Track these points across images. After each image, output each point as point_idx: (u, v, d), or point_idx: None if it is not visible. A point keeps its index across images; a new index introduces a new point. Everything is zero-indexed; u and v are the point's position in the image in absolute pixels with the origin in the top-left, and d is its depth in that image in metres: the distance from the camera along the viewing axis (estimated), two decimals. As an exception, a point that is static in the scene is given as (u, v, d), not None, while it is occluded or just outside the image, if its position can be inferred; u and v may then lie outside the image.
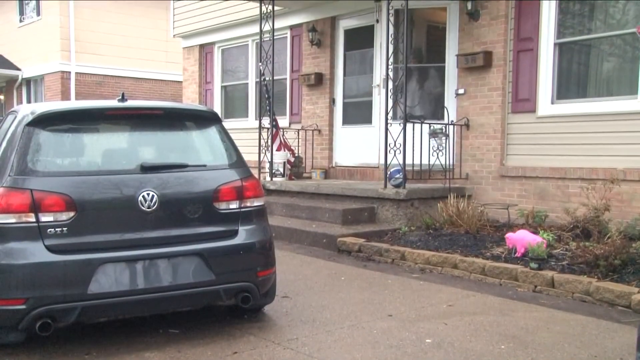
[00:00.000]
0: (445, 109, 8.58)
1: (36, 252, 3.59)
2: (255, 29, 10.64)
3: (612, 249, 5.43)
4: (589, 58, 7.68)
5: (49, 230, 3.63)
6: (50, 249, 3.62)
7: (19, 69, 20.26)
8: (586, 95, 7.57)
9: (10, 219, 3.59)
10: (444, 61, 8.90)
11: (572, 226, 6.54)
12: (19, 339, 3.76)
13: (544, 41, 7.71)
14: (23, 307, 3.53)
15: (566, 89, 7.73)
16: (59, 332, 4.02)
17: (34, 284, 3.56)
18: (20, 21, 20.32)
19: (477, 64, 8.17)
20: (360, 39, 10.13)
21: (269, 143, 9.75)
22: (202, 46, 13.33)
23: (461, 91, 8.51)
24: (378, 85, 9.73)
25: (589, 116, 7.29)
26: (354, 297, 5.26)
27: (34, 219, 3.61)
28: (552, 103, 7.71)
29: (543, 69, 7.73)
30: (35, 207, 3.61)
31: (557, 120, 7.60)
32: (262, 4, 9.68)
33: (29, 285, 3.56)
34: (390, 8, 7.97)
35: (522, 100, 7.93)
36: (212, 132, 4.45)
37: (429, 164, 8.14)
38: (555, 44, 7.67)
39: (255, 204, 4.31)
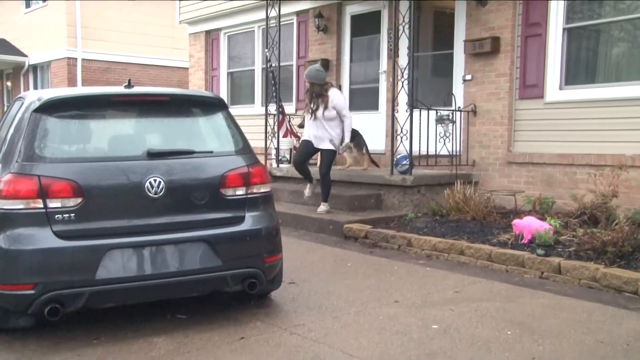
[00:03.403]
0: (452, 96, 8.54)
1: (44, 238, 3.61)
2: (261, 15, 10.59)
3: (620, 236, 5.41)
4: (598, 43, 7.61)
5: (56, 216, 3.64)
6: (58, 235, 3.64)
7: (25, 56, 20.27)
8: (595, 80, 7.51)
9: (19, 205, 3.62)
10: (451, 47, 8.84)
11: (579, 213, 6.52)
12: (28, 324, 3.80)
13: (553, 26, 7.63)
14: (32, 292, 3.56)
15: (575, 74, 7.66)
16: (68, 318, 4.05)
17: (42, 270, 3.59)
18: (27, 7, 20.30)
19: (484, 49, 8.10)
20: (367, 24, 10.07)
21: (276, 129, 9.74)
22: (208, 32, 13.29)
23: (468, 77, 8.46)
24: (385, 72, 9.68)
25: (598, 102, 7.23)
26: (360, 283, 5.27)
27: (41, 205, 3.63)
28: (560, 89, 7.65)
29: (551, 54, 7.66)
30: (43, 193, 3.63)
31: (565, 106, 7.55)
32: (268, -10, 9.63)
33: (37, 270, 3.58)
34: (397, -7, 7.90)
35: (530, 86, 7.87)
36: (219, 118, 4.45)
37: (436, 150, 8.11)
38: (564, 29, 7.60)
39: (262, 191, 4.31)
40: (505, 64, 8.03)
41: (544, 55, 7.71)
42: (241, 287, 4.18)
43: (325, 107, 7.45)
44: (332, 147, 7.61)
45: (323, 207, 7.78)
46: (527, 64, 7.87)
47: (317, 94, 7.51)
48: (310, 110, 7.60)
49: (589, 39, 7.69)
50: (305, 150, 7.81)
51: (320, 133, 7.55)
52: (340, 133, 7.62)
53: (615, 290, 4.93)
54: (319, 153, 7.81)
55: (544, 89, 7.73)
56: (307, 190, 8.01)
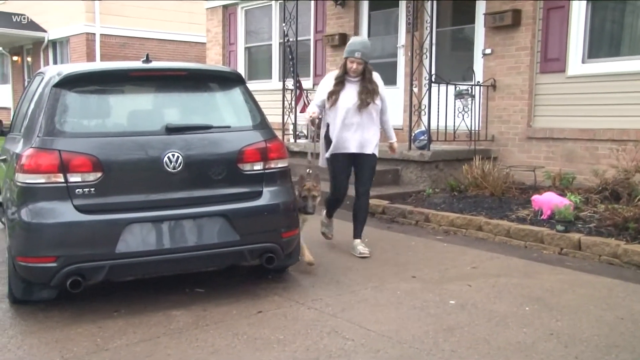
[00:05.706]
0: (472, 70, 8.41)
1: (65, 212, 3.65)
2: (278, -12, 10.48)
3: (641, 212, 5.35)
4: (623, 15, 7.42)
5: (77, 190, 3.68)
6: (79, 209, 3.68)
7: (45, 31, 20.34)
8: (619, 53, 7.35)
9: (40, 179, 3.66)
10: (472, 21, 8.68)
11: (600, 188, 6.44)
12: (51, 296, 3.88)
13: (576, -2, 7.47)
14: (54, 265, 3.62)
15: (598, 47, 7.50)
16: (89, 290, 4.12)
17: (64, 243, 3.64)
18: (46, -18, 20.31)
19: (505, 22, 7.95)
20: (386, -2, 9.92)
21: (293, 105, 9.71)
22: (225, 7, 13.21)
23: (488, 51, 8.32)
24: (403, 46, 9.56)
25: (621, 75, 7.08)
26: (378, 258, 5.28)
27: (62, 179, 3.66)
28: (583, 62, 7.50)
29: (574, 27, 7.50)
30: (64, 168, 3.66)
31: (588, 80, 7.41)
32: (286, -37, 9.51)
33: (59, 244, 3.64)
34: (417, -35, 7.75)
35: (552, 60, 7.72)
36: (236, 93, 4.44)
37: (454, 126, 8.03)
38: (587, 1, 7.42)
39: (279, 166, 4.31)
40: (526, 37, 7.89)
41: (567, 28, 7.54)
42: (259, 262, 4.21)
43: (375, 97, 5.47)
44: (376, 152, 5.55)
45: (364, 249, 5.43)
46: (549, 36, 7.72)
47: (368, 78, 5.44)
48: (361, 101, 5.34)
49: (613, 10, 7.51)
50: (348, 167, 5.61)
51: (367, 134, 5.42)
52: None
53: (637, 267, 4.88)
54: (356, 161, 5.54)
55: (566, 62, 7.58)
56: (325, 222, 5.88)
